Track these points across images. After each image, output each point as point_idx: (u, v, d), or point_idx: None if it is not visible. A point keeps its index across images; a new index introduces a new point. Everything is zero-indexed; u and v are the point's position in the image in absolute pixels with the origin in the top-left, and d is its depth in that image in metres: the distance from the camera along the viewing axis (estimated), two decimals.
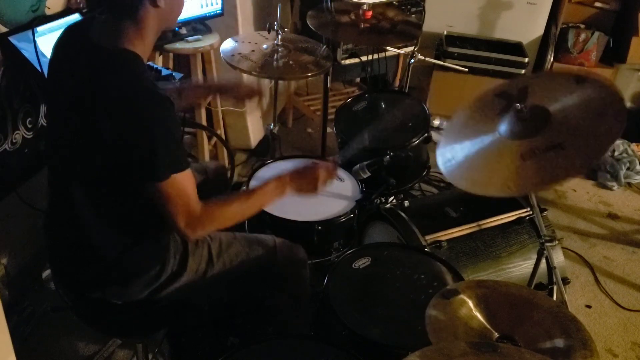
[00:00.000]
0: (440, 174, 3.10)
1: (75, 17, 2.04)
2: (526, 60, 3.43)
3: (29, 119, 1.92)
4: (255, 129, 3.23)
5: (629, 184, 3.31)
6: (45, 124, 1.97)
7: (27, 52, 1.83)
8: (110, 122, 1.26)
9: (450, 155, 1.54)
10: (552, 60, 3.61)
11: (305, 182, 1.58)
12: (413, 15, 3.21)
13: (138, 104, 1.26)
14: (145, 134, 1.25)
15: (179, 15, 1.44)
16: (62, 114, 1.40)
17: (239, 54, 2.32)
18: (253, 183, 2.06)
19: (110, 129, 1.26)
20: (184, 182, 1.33)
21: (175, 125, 1.33)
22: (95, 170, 1.35)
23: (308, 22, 2.46)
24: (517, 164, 1.39)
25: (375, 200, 2.21)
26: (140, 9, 1.30)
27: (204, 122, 2.80)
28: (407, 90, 2.89)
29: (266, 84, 3.35)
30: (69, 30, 1.43)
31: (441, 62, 3.22)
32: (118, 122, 1.25)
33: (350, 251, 1.79)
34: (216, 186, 1.89)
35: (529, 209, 2.06)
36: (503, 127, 1.50)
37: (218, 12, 2.67)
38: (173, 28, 1.46)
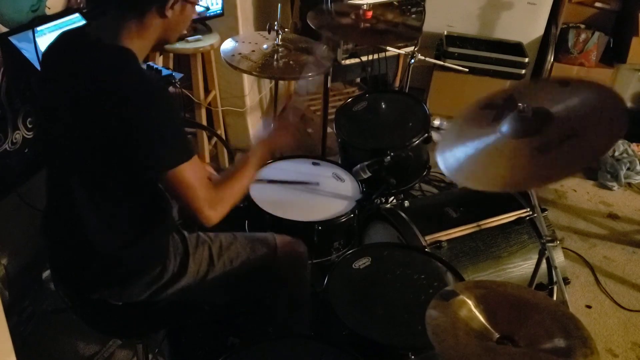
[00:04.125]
0: (441, 174, 3.15)
1: (75, 17, 2.04)
2: (526, 60, 3.43)
3: (29, 119, 1.92)
4: (255, 129, 3.23)
5: (629, 184, 3.31)
6: None
7: (27, 52, 1.83)
8: (116, 120, 1.27)
9: (452, 157, 1.54)
10: (552, 60, 3.61)
11: (280, 139, 1.67)
12: (413, 16, 3.21)
13: (142, 100, 1.27)
14: (154, 128, 1.28)
15: (180, 32, 1.47)
16: (62, 113, 1.39)
17: (239, 54, 2.32)
18: (254, 183, 2.06)
19: (116, 126, 1.27)
20: (196, 167, 1.36)
21: (177, 115, 1.38)
22: (97, 168, 1.35)
23: (308, 22, 2.46)
24: (522, 160, 1.40)
25: (376, 200, 2.21)
26: (147, 12, 1.33)
27: (204, 122, 2.80)
28: (407, 90, 2.89)
29: (266, 84, 3.36)
30: (65, 34, 1.43)
31: (441, 62, 3.22)
32: (125, 119, 1.26)
33: (350, 251, 1.80)
34: None
35: (529, 209, 2.06)
36: (505, 127, 1.50)
37: (218, 12, 2.67)
38: (172, 43, 1.49)
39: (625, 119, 1.35)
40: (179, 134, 1.35)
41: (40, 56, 1.84)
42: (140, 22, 1.33)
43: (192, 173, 1.34)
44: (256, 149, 1.60)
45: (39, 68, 1.85)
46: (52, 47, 1.43)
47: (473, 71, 3.31)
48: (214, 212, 1.39)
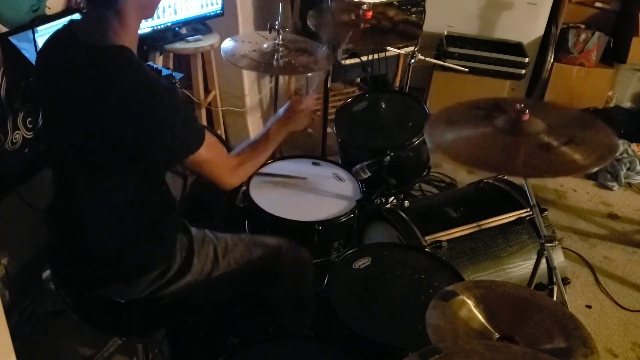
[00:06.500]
0: (441, 173, 3.15)
1: (75, 17, 2.04)
2: (526, 60, 3.43)
3: (29, 119, 1.92)
4: (255, 129, 3.23)
5: (629, 184, 3.31)
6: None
7: (27, 52, 1.83)
8: (126, 121, 1.28)
9: (441, 136, 1.57)
10: (552, 60, 3.62)
11: (296, 119, 1.78)
12: (413, 15, 3.21)
13: (150, 100, 1.29)
14: (166, 122, 1.31)
15: (157, 3, 1.44)
16: (62, 116, 1.40)
17: (240, 53, 2.31)
18: (254, 182, 2.06)
19: (126, 127, 1.28)
20: (210, 143, 1.42)
21: (184, 105, 1.42)
22: (104, 166, 1.36)
23: (308, 22, 2.46)
24: (515, 150, 1.43)
25: (376, 201, 2.21)
26: None
27: (204, 122, 2.80)
28: (407, 90, 2.88)
29: (266, 84, 3.36)
30: (56, 35, 1.43)
31: (441, 62, 3.21)
32: (135, 120, 1.28)
33: (350, 251, 1.80)
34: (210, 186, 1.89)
35: (529, 209, 2.05)
36: (500, 123, 1.51)
37: (218, 12, 2.67)
38: (151, 17, 1.48)
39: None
40: (189, 120, 1.39)
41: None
42: (118, 11, 1.31)
43: (209, 151, 1.41)
44: (277, 126, 1.72)
45: None
46: (44, 51, 1.43)
47: (473, 71, 3.30)
48: (234, 179, 1.55)
